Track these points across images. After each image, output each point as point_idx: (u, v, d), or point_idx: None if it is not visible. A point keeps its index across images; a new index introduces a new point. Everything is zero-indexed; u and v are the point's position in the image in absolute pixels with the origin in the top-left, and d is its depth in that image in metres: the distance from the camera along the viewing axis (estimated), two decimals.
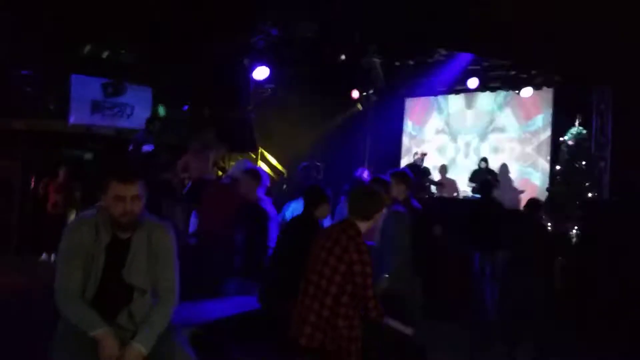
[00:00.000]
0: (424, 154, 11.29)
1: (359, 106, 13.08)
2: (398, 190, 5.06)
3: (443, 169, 12.38)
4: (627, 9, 5.45)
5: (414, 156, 11.55)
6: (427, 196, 10.51)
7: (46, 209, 9.36)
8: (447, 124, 13.02)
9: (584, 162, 9.73)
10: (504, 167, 11.52)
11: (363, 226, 3.35)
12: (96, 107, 10.42)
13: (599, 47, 6.71)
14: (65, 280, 2.66)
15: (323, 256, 3.24)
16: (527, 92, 10.88)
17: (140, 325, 2.73)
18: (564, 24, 6.13)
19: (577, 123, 10.03)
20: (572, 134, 9.98)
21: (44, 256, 9.16)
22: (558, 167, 10.16)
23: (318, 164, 10.93)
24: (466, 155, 12.38)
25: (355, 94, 12.38)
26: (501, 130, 12.06)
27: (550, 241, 6.42)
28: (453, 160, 12.62)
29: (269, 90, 11.30)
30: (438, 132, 13.17)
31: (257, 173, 5.49)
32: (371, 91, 12.69)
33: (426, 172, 11.23)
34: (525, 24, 6.19)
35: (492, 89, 11.77)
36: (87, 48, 9.82)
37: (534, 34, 6.66)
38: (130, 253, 2.75)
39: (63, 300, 2.65)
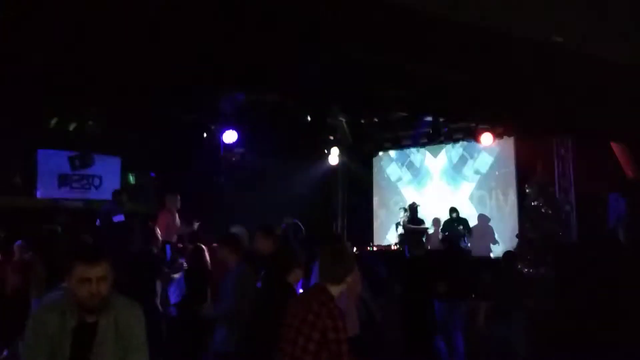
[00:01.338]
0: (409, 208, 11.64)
1: (335, 165, 13.27)
2: (264, 245, 5.24)
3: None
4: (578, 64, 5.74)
5: (403, 210, 11.73)
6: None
7: (5, 293, 7.53)
8: (415, 175, 13.25)
9: (549, 209, 9.95)
10: (480, 216, 11.64)
11: (335, 290, 3.32)
12: (63, 180, 10.34)
13: (556, 99, 7.01)
14: None
15: (296, 324, 3.20)
16: (486, 139, 11.02)
17: None
18: (519, 81, 6.40)
19: (539, 169, 10.31)
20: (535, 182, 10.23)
21: (5, 353, 7.36)
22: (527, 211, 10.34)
23: (297, 222, 10.98)
24: (434, 206, 12.51)
25: (333, 159, 12.53)
26: (468, 178, 12.32)
27: (528, 289, 6.64)
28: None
29: (238, 155, 11.40)
30: (406, 183, 13.36)
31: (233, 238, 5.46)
32: (337, 150, 12.90)
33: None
34: (480, 84, 6.45)
35: (456, 140, 12.08)
36: (53, 121, 9.81)
37: (490, 94, 6.94)
38: (98, 337, 2.67)
39: None
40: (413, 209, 11.35)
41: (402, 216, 11.72)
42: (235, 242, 5.17)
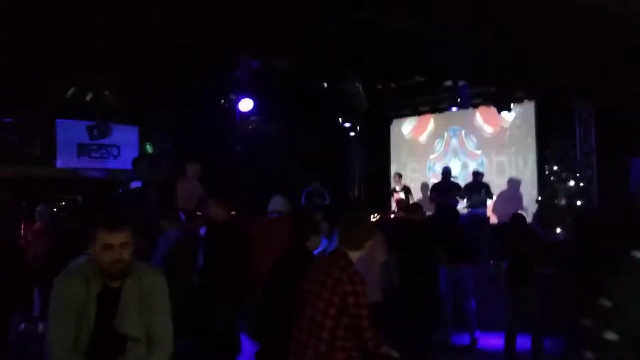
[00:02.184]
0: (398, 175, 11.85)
1: (352, 132, 13.20)
2: (217, 212, 5.39)
3: (424, 187, 12.41)
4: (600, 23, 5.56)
5: (393, 178, 11.79)
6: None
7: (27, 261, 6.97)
8: (434, 141, 13.12)
9: (570, 174, 9.80)
10: (509, 181, 11.46)
11: (354, 256, 3.33)
12: (82, 150, 10.42)
13: (577, 62, 6.84)
14: (57, 335, 2.62)
15: (316, 289, 3.22)
16: (508, 115, 10.94)
17: None
18: (540, 44, 6.24)
19: (559, 134, 10.14)
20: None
21: (22, 326, 7.24)
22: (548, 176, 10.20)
23: (321, 188, 11.01)
24: (455, 170, 12.40)
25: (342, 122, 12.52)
26: (488, 144, 12.17)
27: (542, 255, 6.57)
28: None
29: (255, 123, 11.37)
30: (425, 149, 13.26)
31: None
32: (356, 115, 12.80)
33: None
34: (503, 46, 6.30)
35: (475, 106, 11.89)
36: (71, 91, 9.86)
37: (512, 56, 6.78)
38: (122, 302, 2.71)
39: (56, 355, 2.61)
40: (445, 173, 11.13)
41: (397, 183, 11.86)
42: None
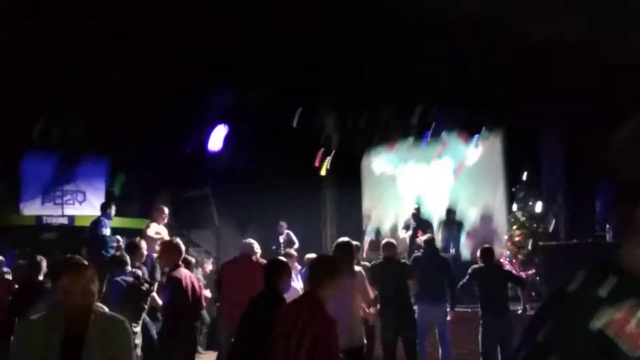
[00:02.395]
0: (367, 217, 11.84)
1: (323, 172, 13.20)
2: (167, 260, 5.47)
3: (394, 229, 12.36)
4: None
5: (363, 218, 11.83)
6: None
7: None
8: (403, 176, 13.19)
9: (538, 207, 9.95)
10: (482, 217, 11.42)
11: (325, 296, 3.29)
12: (48, 196, 10.20)
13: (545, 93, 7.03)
14: None
15: (287, 333, 3.16)
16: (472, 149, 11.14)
17: None
18: (505, 76, 6.43)
19: (526, 169, 10.32)
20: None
21: None
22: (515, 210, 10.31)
23: (290, 234, 10.91)
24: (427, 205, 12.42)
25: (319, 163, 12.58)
26: (456, 178, 12.28)
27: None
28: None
29: (225, 161, 11.33)
30: (394, 183, 13.29)
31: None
32: (326, 152, 12.87)
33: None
34: (465, 79, 6.47)
35: (443, 136, 12.00)
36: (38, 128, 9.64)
37: (475, 89, 6.96)
38: (85, 349, 2.65)
39: None
40: (415, 211, 11.09)
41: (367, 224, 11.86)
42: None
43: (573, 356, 0.99)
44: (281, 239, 10.80)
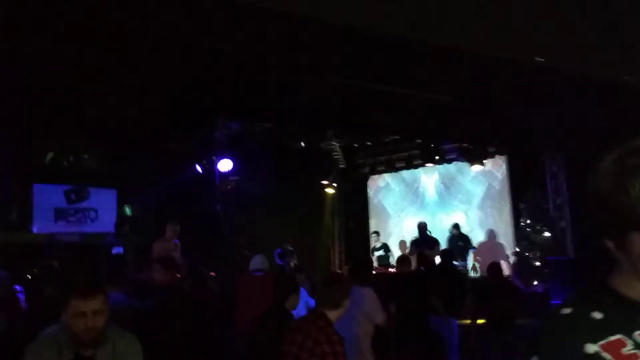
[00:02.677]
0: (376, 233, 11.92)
1: (330, 190, 13.30)
2: (160, 276, 5.31)
3: (402, 244, 12.46)
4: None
5: (371, 235, 11.95)
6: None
7: None
8: (409, 197, 13.30)
9: (544, 226, 9.97)
10: (488, 232, 11.59)
11: (333, 315, 3.34)
12: (59, 214, 10.33)
13: (547, 118, 7.10)
14: None
15: (294, 351, 3.21)
16: (477, 168, 11.27)
17: None
18: (504, 101, 6.51)
19: (531, 187, 10.37)
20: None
21: None
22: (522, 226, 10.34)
23: (290, 248, 11.01)
24: (433, 226, 12.54)
25: (328, 188, 12.71)
26: (464, 199, 12.36)
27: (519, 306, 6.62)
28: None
29: (234, 182, 11.45)
30: (402, 206, 13.41)
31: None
32: (334, 173, 13.00)
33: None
34: (464, 105, 6.56)
35: (449, 161, 12.16)
36: (49, 156, 9.88)
37: (478, 114, 7.03)
38: None
39: None
40: (421, 227, 11.20)
41: (376, 241, 11.93)
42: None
43: None
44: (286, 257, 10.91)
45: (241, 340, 5.27)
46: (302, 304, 5.96)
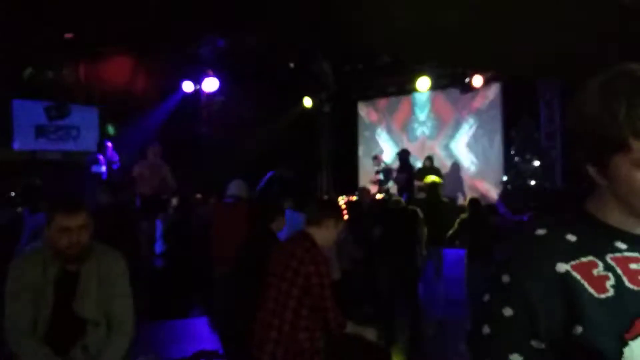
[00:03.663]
0: (377, 156, 11.57)
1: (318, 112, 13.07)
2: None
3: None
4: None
5: (372, 159, 11.76)
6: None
7: None
8: (400, 124, 13.18)
9: (534, 155, 9.95)
10: (455, 165, 11.71)
11: (318, 235, 3.30)
12: (40, 131, 10.08)
13: (542, 42, 6.89)
14: (15, 319, 2.58)
15: (279, 271, 3.19)
16: (477, 81, 10.97)
17: (96, 359, 2.63)
18: (502, 24, 6.27)
19: (524, 115, 10.27)
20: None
21: None
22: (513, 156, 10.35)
23: (283, 177, 10.81)
24: (421, 155, 12.49)
25: (307, 102, 12.44)
26: (454, 127, 12.27)
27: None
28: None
29: (220, 104, 11.20)
30: (391, 132, 13.32)
31: None
32: (323, 97, 12.74)
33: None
34: (466, 26, 6.31)
35: (443, 87, 11.94)
36: (28, 71, 9.51)
37: (475, 37, 6.80)
38: (80, 286, 2.66)
39: (14, 339, 2.58)
40: (404, 155, 11.10)
41: (376, 165, 11.70)
42: None
43: (536, 295, 1.00)
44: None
45: (221, 266, 5.19)
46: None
